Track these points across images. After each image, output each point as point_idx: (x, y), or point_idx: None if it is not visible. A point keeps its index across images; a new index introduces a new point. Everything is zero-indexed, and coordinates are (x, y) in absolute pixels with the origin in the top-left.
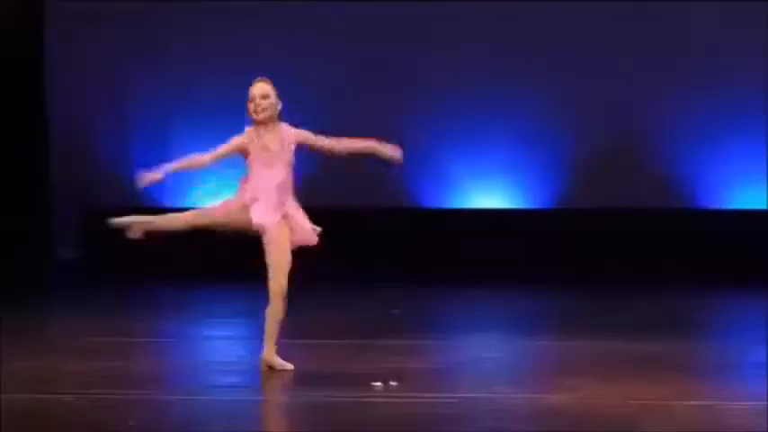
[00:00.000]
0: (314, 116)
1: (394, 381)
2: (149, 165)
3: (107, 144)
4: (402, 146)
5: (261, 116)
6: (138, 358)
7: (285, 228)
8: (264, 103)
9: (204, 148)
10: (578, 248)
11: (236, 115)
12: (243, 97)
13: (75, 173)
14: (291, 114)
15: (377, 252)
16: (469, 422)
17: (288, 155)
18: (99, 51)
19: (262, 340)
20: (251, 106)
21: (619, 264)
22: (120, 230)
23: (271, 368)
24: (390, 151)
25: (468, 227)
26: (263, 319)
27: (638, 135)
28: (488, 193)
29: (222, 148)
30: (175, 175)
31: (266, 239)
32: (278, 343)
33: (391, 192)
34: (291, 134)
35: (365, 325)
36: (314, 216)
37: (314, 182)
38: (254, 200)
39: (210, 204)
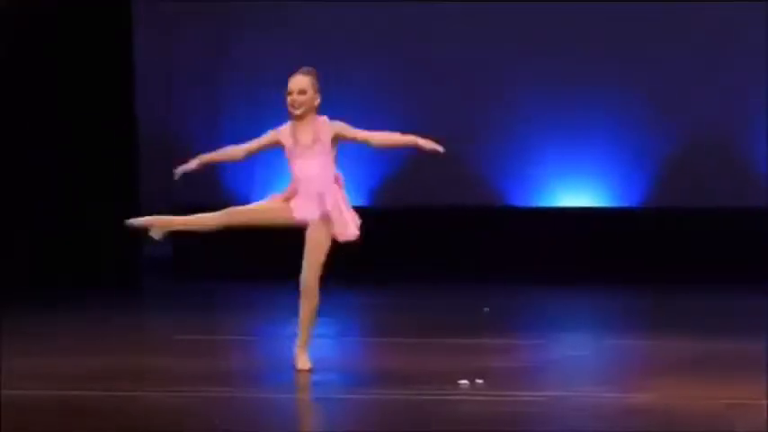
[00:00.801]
0: (397, 116)
1: (480, 379)
2: (237, 166)
3: (197, 138)
4: (486, 144)
5: (297, 111)
6: (224, 356)
7: (324, 224)
8: (301, 98)
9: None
10: (665, 247)
11: (328, 110)
12: (337, 92)
13: (164, 168)
14: (370, 114)
15: (464, 250)
16: (555, 421)
17: (325, 148)
18: (189, 47)
19: (331, 338)
20: (288, 100)
21: (706, 262)
22: (140, 231)
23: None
24: (431, 145)
25: (556, 225)
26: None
27: (726, 133)
28: (575, 192)
29: (256, 142)
30: (263, 170)
31: (306, 234)
32: (309, 343)
33: (478, 191)
34: (327, 126)
35: (454, 323)
36: (400, 215)
37: (399, 181)
38: (294, 195)
39: (257, 202)
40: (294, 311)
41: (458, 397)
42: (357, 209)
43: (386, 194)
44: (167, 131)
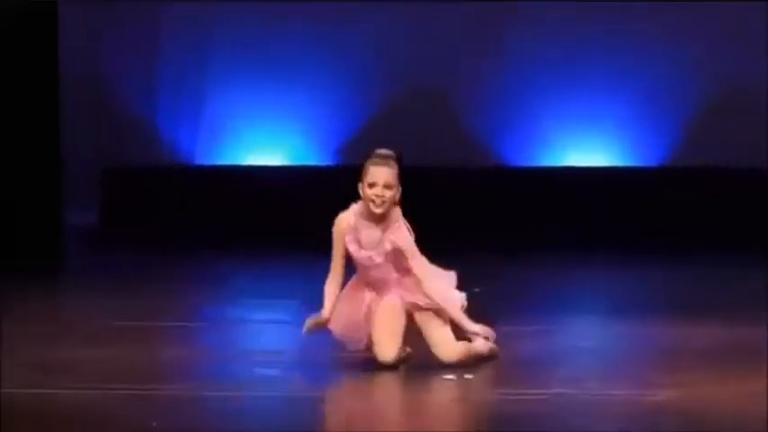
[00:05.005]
0: (393, 69)
1: (469, 374)
2: (178, 119)
3: (130, 96)
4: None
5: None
6: (163, 345)
7: None
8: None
9: (241, 104)
10: (689, 212)
11: (273, 69)
12: (331, 44)
13: (91, 128)
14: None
15: (457, 219)
16: (557, 423)
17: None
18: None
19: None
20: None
21: (735, 230)
22: None
23: None
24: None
25: (562, 187)
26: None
27: (754, 91)
28: (585, 150)
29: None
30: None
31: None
32: None
33: (470, 149)
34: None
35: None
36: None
37: (374, 136)
38: None
39: None
40: (245, 292)
41: (443, 395)
42: (326, 168)
43: (359, 152)
44: (98, 84)
